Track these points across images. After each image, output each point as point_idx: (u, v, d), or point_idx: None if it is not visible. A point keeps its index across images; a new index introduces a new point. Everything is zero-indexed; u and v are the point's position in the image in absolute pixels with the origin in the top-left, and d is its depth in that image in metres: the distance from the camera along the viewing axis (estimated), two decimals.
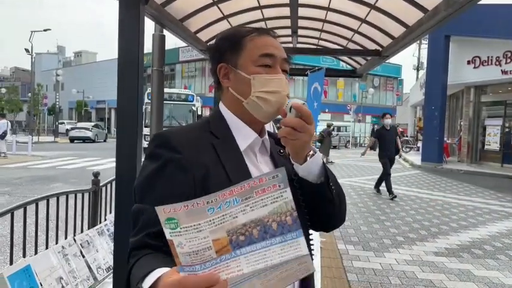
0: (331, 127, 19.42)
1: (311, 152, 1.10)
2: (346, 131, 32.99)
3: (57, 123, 36.13)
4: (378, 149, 10.22)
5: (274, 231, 0.78)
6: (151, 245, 0.95)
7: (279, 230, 0.78)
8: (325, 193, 1.11)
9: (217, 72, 1.16)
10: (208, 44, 1.08)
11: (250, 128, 1.15)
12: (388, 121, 9.83)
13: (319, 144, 16.89)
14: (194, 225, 0.75)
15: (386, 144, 9.82)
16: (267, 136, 1.21)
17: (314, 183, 1.10)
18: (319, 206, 1.13)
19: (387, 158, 9.81)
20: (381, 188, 10.33)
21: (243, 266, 0.76)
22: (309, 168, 1.10)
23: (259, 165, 1.15)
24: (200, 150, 1.05)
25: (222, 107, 1.18)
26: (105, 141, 33.18)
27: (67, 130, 37.13)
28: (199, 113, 19.09)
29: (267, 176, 0.78)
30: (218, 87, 1.21)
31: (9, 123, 19.35)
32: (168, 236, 0.75)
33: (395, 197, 9.66)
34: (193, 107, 19.72)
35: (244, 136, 1.14)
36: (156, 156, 1.04)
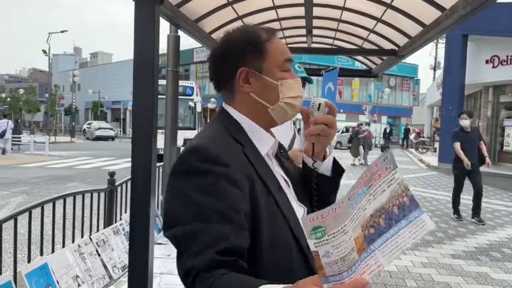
0: (361, 126, 18.40)
1: (327, 151, 1.18)
2: (352, 132, 32.71)
3: (73, 123, 37.13)
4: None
5: (397, 216, 0.75)
6: (225, 263, 0.86)
7: (401, 213, 0.75)
8: (338, 184, 1.24)
9: (237, 77, 1.09)
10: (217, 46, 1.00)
11: (267, 133, 1.14)
12: (466, 122, 7.59)
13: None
14: (341, 229, 0.70)
15: (465, 150, 7.54)
16: (277, 138, 1.21)
17: (331, 176, 1.20)
18: (331, 198, 1.22)
19: (465, 170, 7.52)
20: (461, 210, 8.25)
21: (380, 260, 0.72)
22: (327, 165, 1.19)
23: (276, 169, 1.14)
24: (240, 160, 1.00)
25: (233, 112, 1.12)
26: (112, 140, 35.54)
27: (84, 130, 39.55)
28: (199, 109, 15.97)
29: (379, 159, 0.75)
30: (228, 90, 1.14)
31: (10, 122, 19.81)
32: (312, 248, 0.70)
33: (459, 217, 7.83)
34: (190, 102, 15.94)
35: (262, 141, 1.12)
36: (202, 172, 0.94)
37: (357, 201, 0.72)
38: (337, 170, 1.22)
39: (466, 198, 10.04)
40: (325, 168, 1.19)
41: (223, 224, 0.88)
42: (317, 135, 1.11)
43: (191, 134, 14.13)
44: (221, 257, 0.85)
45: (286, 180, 1.15)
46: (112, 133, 36.73)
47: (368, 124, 21.27)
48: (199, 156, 0.96)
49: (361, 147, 17.55)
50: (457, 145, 7.72)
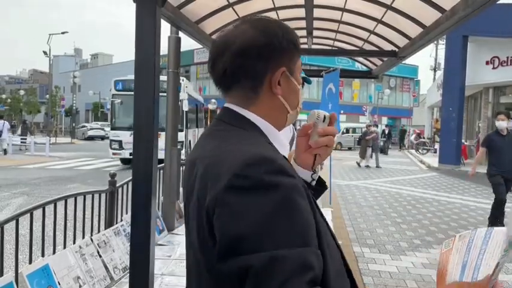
0: (369, 127, 18.11)
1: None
2: (361, 133, 32.75)
3: (73, 124, 37.70)
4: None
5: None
6: None
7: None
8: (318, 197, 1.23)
9: (276, 76, 0.96)
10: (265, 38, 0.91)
11: (283, 138, 1.12)
12: (503, 124, 6.56)
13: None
14: None
15: (500, 156, 6.51)
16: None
17: (320, 188, 1.21)
18: None
19: (501, 176, 6.55)
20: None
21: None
22: (319, 174, 1.20)
23: None
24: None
25: (252, 116, 0.98)
26: (102, 139, 36.40)
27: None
28: (186, 108, 14.31)
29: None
30: (249, 90, 0.97)
31: (7, 124, 19.96)
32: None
33: None
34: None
35: (281, 146, 1.04)
36: (273, 186, 0.80)
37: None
38: (321, 183, 1.21)
39: (464, 199, 10.04)
40: (317, 176, 1.19)
41: (304, 247, 0.77)
42: (325, 147, 1.09)
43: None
44: (311, 287, 0.74)
45: None
46: (103, 133, 38.20)
47: (376, 126, 21.08)
48: (267, 167, 0.81)
49: (369, 149, 17.31)
50: (481, 151, 6.98)
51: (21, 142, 21.44)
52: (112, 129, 15.12)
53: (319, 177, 1.20)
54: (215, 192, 0.81)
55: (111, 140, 14.77)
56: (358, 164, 17.34)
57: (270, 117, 1.00)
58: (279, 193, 0.79)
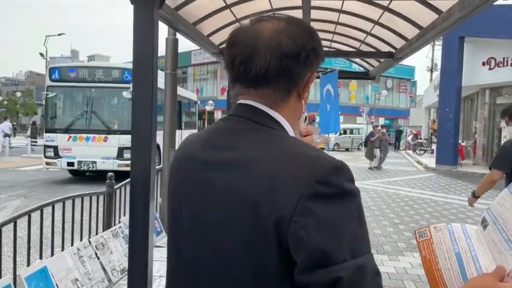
0: (376, 128, 17.80)
1: None
2: (358, 134, 32.82)
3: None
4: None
5: None
6: None
7: None
8: None
9: (309, 79, 0.97)
10: (314, 40, 0.96)
11: None
12: None
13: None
14: None
15: None
16: None
17: None
18: None
19: None
20: None
21: None
22: None
23: None
24: None
25: (277, 116, 0.95)
26: None
27: None
28: (128, 96, 10.53)
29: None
30: (284, 91, 0.95)
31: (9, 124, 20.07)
32: None
33: None
34: (126, 93, 10.45)
35: None
36: (353, 194, 0.81)
37: None
38: None
39: (462, 199, 10.08)
40: None
41: (371, 253, 0.80)
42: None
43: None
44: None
45: None
46: None
47: (383, 126, 20.81)
48: (346, 175, 0.81)
49: (377, 150, 16.94)
50: (499, 175, 3.83)
51: (32, 144, 21.06)
52: (46, 131, 11.56)
53: None
54: (294, 199, 0.78)
55: (45, 146, 11.43)
56: (372, 168, 16.88)
57: (292, 120, 0.98)
58: (356, 201, 0.80)
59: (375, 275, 0.77)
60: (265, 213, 0.79)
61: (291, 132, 0.97)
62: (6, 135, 20.40)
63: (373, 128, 18.30)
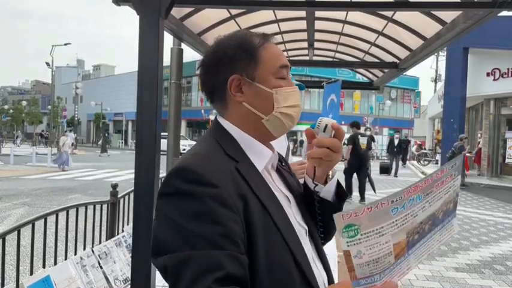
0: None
1: (330, 173, 1.10)
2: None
3: (75, 135, 37.61)
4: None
5: (439, 221, 0.73)
6: None
7: (443, 218, 0.73)
8: (341, 208, 1.11)
9: (229, 85, 1.01)
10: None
11: (263, 146, 1.05)
12: None
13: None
14: (376, 230, 0.67)
15: None
16: (276, 151, 1.10)
17: (332, 201, 1.11)
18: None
19: None
20: None
21: (411, 264, 0.72)
22: (329, 189, 1.10)
23: (276, 184, 1.06)
24: (232, 178, 0.92)
25: (226, 124, 1.03)
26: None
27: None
28: None
29: (447, 166, 0.72)
30: (220, 101, 1.05)
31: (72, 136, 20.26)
32: (344, 247, 0.68)
33: None
34: None
35: (259, 155, 1.02)
36: (187, 194, 0.87)
37: (405, 207, 0.68)
38: (340, 194, 1.13)
39: (467, 210, 9.99)
40: (327, 192, 1.10)
41: (214, 250, 0.81)
42: (319, 159, 1.03)
43: None
44: (218, 285, 0.77)
45: (287, 197, 1.07)
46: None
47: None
48: (185, 178, 0.88)
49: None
50: None
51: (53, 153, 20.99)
52: None
53: (340, 186, 1.13)
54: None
55: None
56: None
57: (244, 125, 1.03)
58: (194, 202, 0.86)
59: (208, 269, 0.79)
60: None
61: (245, 138, 1.02)
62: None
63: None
